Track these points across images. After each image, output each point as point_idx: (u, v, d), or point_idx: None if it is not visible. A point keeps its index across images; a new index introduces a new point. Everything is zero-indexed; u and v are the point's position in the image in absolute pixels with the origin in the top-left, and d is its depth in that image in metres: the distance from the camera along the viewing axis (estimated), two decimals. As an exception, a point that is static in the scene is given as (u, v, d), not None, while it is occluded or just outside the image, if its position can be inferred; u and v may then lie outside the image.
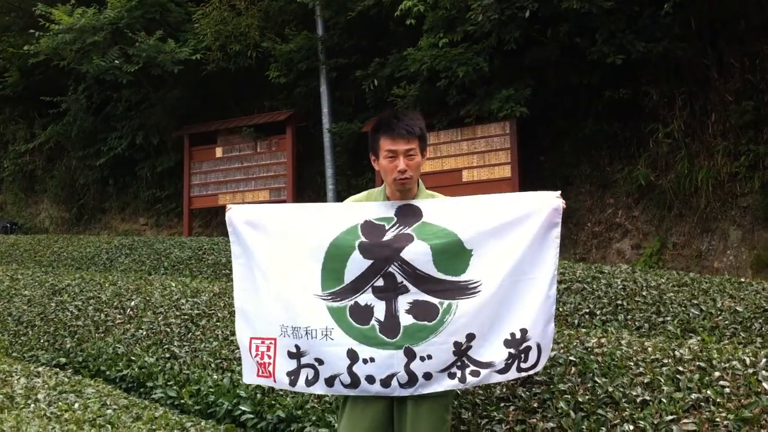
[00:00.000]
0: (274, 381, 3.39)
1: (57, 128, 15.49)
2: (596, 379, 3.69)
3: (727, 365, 3.58)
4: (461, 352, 3.19)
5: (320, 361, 3.28)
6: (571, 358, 3.90)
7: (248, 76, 12.95)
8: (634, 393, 3.52)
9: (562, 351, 3.99)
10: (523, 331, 3.23)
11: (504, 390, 3.81)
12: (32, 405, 4.29)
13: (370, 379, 3.18)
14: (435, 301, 3.20)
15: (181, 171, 13.93)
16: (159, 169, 14.55)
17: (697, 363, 3.65)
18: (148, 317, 6.25)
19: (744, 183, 8.83)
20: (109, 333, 6.20)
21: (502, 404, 3.75)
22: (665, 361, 3.73)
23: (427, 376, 3.17)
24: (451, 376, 3.19)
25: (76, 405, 4.37)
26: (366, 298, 3.24)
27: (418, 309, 3.20)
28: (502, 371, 3.22)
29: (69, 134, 15.42)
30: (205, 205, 13.72)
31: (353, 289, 3.26)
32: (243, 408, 4.56)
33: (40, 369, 5.40)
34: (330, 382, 3.25)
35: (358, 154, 12.05)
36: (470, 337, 3.19)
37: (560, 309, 5.82)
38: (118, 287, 7.23)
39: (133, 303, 6.65)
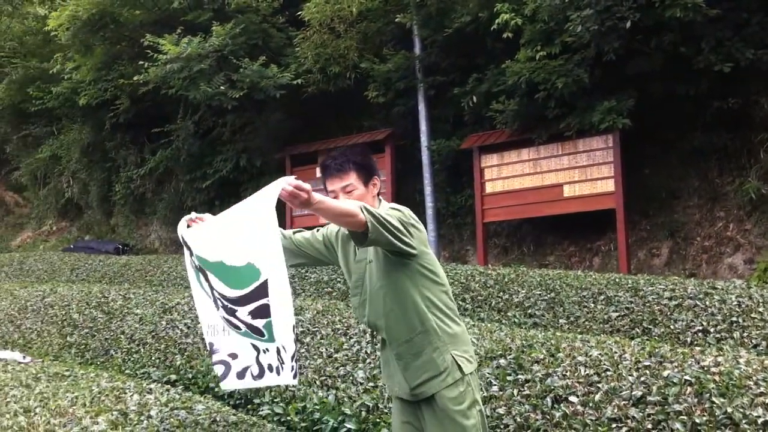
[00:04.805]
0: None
1: (166, 153, 16.05)
2: (714, 399, 3.54)
3: None
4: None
5: (234, 356, 3.35)
6: (686, 377, 3.75)
7: (347, 97, 13.11)
8: (755, 414, 3.36)
9: (676, 370, 3.84)
10: None
11: (616, 411, 3.69)
12: (145, 421, 4.40)
13: (270, 368, 3.18)
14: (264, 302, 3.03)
15: (283, 191, 14.10)
16: (262, 190, 14.80)
17: (824, 383, 3.46)
18: (254, 335, 6.35)
19: None
20: (217, 351, 6.33)
21: (614, 425, 3.63)
22: (788, 380, 3.55)
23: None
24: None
25: (188, 421, 4.48)
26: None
27: (256, 311, 3.09)
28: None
29: (177, 159, 15.96)
30: (306, 224, 13.89)
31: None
32: (348, 425, 4.57)
33: (152, 386, 5.54)
34: (242, 374, 3.32)
35: (456, 171, 12.02)
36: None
37: (671, 327, 5.63)
38: (225, 306, 7.38)
39: (239, 321, 6.77)
